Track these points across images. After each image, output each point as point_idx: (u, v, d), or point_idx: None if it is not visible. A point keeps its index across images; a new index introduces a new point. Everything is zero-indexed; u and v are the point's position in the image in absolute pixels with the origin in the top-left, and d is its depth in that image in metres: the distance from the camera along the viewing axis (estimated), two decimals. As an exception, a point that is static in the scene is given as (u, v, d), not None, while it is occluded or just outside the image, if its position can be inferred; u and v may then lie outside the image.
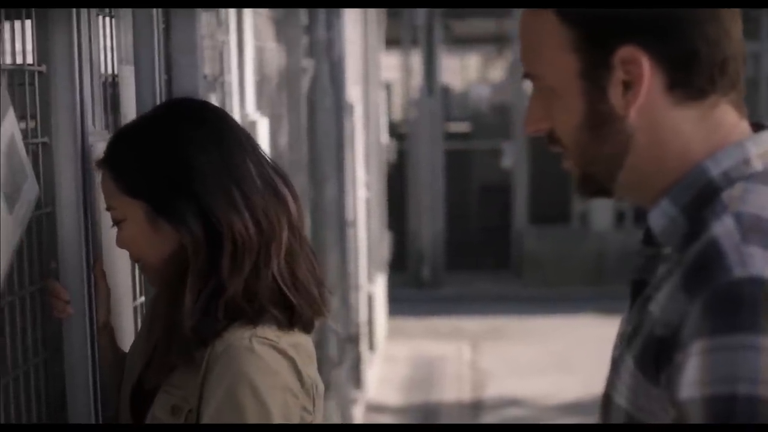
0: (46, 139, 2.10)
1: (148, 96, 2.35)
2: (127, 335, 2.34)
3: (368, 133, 9.31)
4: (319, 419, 2.05)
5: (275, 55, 5.01)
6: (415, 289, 12.80)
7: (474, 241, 13.77)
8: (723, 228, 1.35)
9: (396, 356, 9.89)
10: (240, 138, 2.08)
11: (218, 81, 3.52)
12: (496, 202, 13.75)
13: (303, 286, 2.05)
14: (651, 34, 1.41)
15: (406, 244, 12.88)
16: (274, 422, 1.93)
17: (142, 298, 2.50)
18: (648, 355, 1.38)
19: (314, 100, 6.25)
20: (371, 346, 9.18)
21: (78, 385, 2.14)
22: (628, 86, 1.43)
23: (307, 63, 5.98)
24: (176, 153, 2.02)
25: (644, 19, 1.42)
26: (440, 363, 9.72)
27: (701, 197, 1.41)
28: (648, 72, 1.41)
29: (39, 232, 2.10)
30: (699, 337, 1.29)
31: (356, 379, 8.06)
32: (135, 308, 2.44)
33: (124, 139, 2.09)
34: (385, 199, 10.79)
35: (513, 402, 8.43)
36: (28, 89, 2.08)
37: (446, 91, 13.94)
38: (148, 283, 2.29)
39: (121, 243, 2.10)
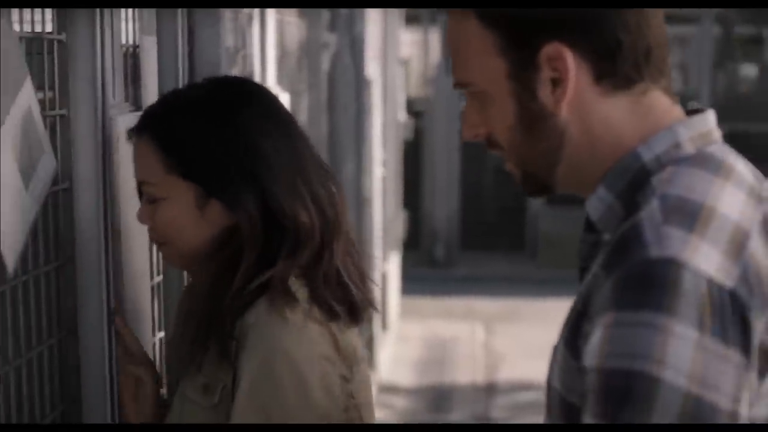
0: (64, 112, 2.02)
1: (170, 68, 2.30)
2: (144, 315, 2.27)
3: (386, 110, 9.25)
4: (357, 386, 1.93)
5: (296, 29, 4.94)
6: (428, 268, 12.76)
7: (489, 222, 13.72)
8: (648, 210, 1.36)
9: (409, 336, 9.85)
10: (293, 122, 1.98)
11: (240, 54, 3.45)
12: (511, 182, 13.54)
13: (353, 278, 1.97)
14: (573, 29, 1.42)
15: (420, 223, 12.84)
16: (314, 393, 1.83)
17: (160, 277, 2.43)
18: (571, 331, 1.40)
19: (334, 76, 6.18)
20: (384, 326, 9.14)
21: (93, 366, 2.08)
22: (556, 83, 1.44)
23: (328, 38, 5.92)
24: (242, 137, 1.90)
25: (565, 14, 1.42)
26: (453, 344, 9.69)
27: (635, 183, 1.43)
28: (573, 66, 1.42)
29: (55, 208, 2.03)
30: (605, 311, 1.32)
31: (369, 359, 8.03)
32: (152, 287, 2.37)
33: (179, 115, 1.95)
34: (401, 177, 10.74)
35: (526, 385, 8.40)
36: (47, 59, 2.00)
37: (464, 69, 13.86)
38: (170, 265, 2.20)
39: (152, 221, 1.97)
